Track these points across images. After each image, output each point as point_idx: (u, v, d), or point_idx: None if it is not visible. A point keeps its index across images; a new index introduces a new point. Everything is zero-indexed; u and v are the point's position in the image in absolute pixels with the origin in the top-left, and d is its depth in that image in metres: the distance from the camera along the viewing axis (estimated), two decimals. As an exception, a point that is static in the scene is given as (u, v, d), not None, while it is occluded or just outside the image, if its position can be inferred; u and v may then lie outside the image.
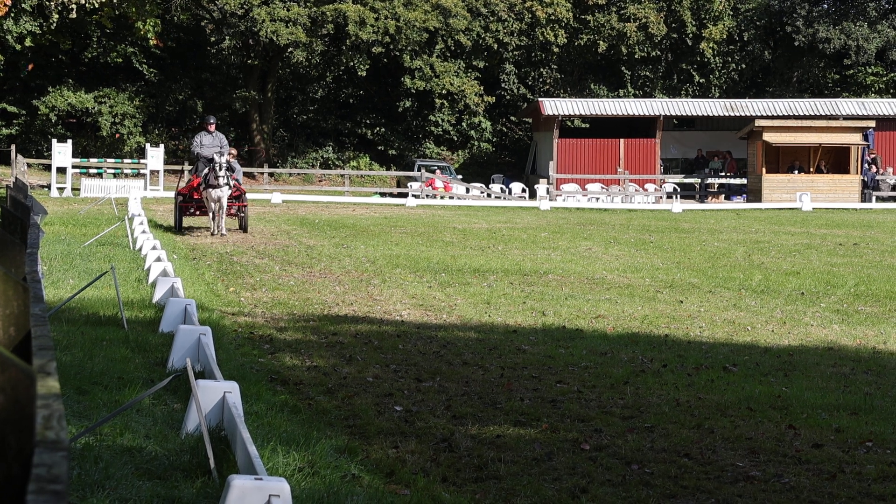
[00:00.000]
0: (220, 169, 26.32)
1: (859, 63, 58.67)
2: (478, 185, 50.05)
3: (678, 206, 43.30)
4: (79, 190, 43.60)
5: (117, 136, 53.16)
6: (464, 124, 58.12)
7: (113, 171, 47.30)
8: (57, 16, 44.69)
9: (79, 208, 34.67)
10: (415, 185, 48.18)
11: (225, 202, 26.69)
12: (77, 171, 45.68)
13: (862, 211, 44.91)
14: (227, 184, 26.51)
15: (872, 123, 50.89)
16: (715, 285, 19.56)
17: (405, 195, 46.60)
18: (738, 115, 52.89)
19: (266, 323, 14.68)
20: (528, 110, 56.41)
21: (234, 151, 29.74)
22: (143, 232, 23.19)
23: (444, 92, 55.57)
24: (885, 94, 59.24)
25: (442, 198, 47.15)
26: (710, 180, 52.01)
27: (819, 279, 20.67)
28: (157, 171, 45.65)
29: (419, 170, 50.21)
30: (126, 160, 48.18)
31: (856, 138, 49.21)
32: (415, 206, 41.98)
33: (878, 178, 50.43)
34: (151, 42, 50.63)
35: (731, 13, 59.77)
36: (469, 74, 57.13)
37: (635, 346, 13.51)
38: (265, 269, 20.54)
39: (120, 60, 53.89)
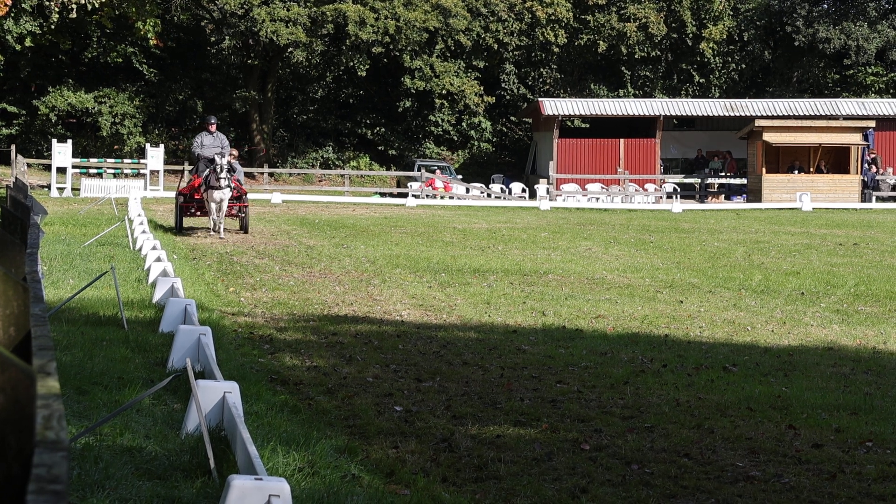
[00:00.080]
0: (222, 171, 26.32)
1: (859, 63, 58.66)
2: (478, 185, 50.05)
3: (678, 206, 43.30)
4: (79, 190, 43.60)
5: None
6: (464, 124, 58.12)
7: (113, 171, 47.31)
8: (57, 16, 44.69)
9: (79, 208, 34.66)
10: (415, 185, 48.18)
11: (225, 205, 26.73)
12: (77, 171, 45.68)
13: (862, 211, 44.91)
14: (229, 186, 26.53)
15: (872, 123, 50.89)
16: (715, 285, 19.56)
17: (405, 195, 46.60)
18: (738, 115, 52.89)
19: (266, 323, 14.68)
20: (528, 110, 56.41)
21: (235, 152, 29.74)
22: (143, 232, 23.19)
23: (444, 92, 55.57)
24: (885, 94, 59.25)
25: (442, 198, 47.14)
26: (710, 180, 52.01)
27: (819, 279, 20.67)
28: (157, 172, 45.65)
29: (419, 170, 50.21)
30: (126, 160, 48.18)
31: (856, 138, 49.22)
32: (415, 206, 41.98)
33: (878, 178, 50.43)
34: (151, 42, 50.63)
35: (731, 13, 59.77)
36: (469, 74, 57.13)
37: (635, 346, 13.51)
38: (265, 269, 20.54)
39: (120, 60, 53.89)
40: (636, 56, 58.18)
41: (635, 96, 58.26)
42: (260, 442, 8.09)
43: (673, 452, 8.89)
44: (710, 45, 58.55)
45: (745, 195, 50.14)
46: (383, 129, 58.34)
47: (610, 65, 59.63)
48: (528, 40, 57.90)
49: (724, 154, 53.61)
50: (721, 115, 53.29)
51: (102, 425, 8.33)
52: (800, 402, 10.67)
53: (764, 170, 48.96)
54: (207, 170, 26.84)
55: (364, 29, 52.21)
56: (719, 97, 57.91)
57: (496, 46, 57.41)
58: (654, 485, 8.08)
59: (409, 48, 54.32)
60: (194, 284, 17.44)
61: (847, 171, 49.49)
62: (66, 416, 4.52)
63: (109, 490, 7.17)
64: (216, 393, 8.63)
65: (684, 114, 53.95)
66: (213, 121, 28.39)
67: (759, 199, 47.79)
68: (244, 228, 27.81)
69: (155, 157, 45.66)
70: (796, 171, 49.46)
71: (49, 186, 44.21)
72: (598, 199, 48.95)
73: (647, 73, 59.58)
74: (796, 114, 52.63)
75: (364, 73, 54.21)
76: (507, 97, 59.42)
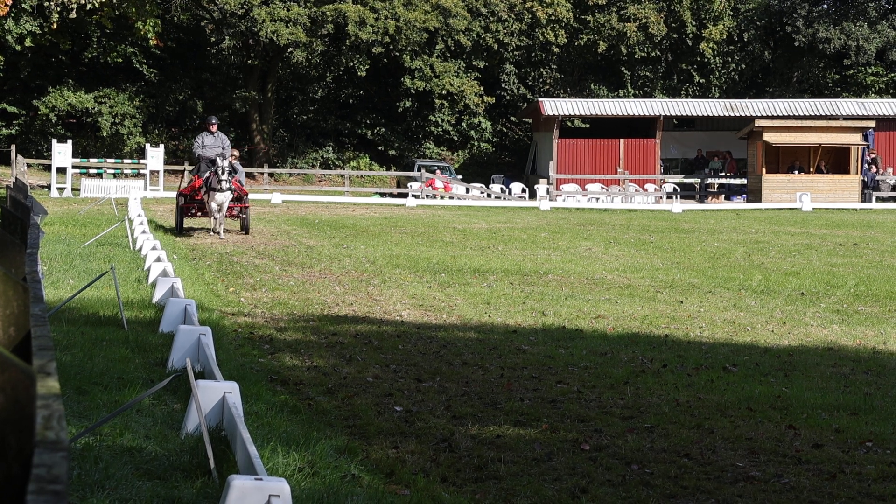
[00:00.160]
0: (223, 173, 26.31)
1: (859, 63, 58.67)
2: (478, 185, 50.05)
3: (678, 206, 43.29)
4: (79, 190, 43.60)
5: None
6: (464, 124, 58.12)
7: (113, 171, 47.31)
8: (57, 16, 44.70)
9: (79, 208, 34.66)
10: (415, 186, 48.18)
11: (226, 207, 26.76)
12: (77, 171, 45.68)
13: (862, 211, 44.91)
14: (230, 188, 26.54)
15: (872, 123, 50.89)
16: (715, 285, 19.57)
17: (405, 195, 46.60)
18: (738, 115, 52.89)
19: (266, 323, 14.69)
20: (528, 110, 56.41)
21: (236, 153, 29.73)
22: (143, 232, 23.20)
23: (443, 92, 55.57)
24: (885, 94, 59.25)
25: (442, 198, 47.14)
26: (710, 180, 52.01)
27: (819, 279, 20.68)
28: (157, 172, 45.65)
29: (419, 170, 50.21)
30: (126, 160, 48.18)
31: (856, 138, 49.22)
32: (415, 206, 41.97)
33: (878, 178, 50.43)
34: (151, 42, 50.63)
35: (731, 13, 59.77)
36: (469, 74, 57.13)
37: (635, 347, 13.51)
38: (265, 270, 20.54)
39: (120, 60, 53.88)
40: (636, 56, 58.19)
41: (635, 96, 58.27)
42: (260, 442, 8.09)
43: (673, 452, 8.89)
44: (710, 45, 58.56)
45: (745, 195, 50.14)
46: (383, 130, 58.34)
47: (610, 65, 59.63)
48: (528, 40, 57.91)
49: (724, 154, 53.61)
50: (721, 115, 53.29)
51: (102, 425, 8.33)
52: (800, 402, 10.67)
53: (764, 170, 48.96)
54: (209, 171, 26.83)
55: (364, 29, 52.22)
56: (719, 97, 57.91)
57: (496, 46, 57.41)
58: (654, 485, 8.08)
59: (409, 48, 54.32)
60: (194, 284, 17.44)
61: (847, 172, 49.49)
62: (66, 417, 4.52)
63: (109, 490, 7.17)
64: (216, 393, 8.63)
65: (684, 114, 53.95)
66: (213, 121, 28.38)
67: (759, 200, 47.79)
68: (245, 229, 27.81)
69: (155, 157, 45.66)
70: (796, 172, 49.47)
71: (49, 186, 44.22)
72: (598, 199, 48.95)
73: (647, 74, 59.58)
74: (796, 114, 52.64)
75: (364, 74, 54.21)
76: (507, 97, 59.42)
